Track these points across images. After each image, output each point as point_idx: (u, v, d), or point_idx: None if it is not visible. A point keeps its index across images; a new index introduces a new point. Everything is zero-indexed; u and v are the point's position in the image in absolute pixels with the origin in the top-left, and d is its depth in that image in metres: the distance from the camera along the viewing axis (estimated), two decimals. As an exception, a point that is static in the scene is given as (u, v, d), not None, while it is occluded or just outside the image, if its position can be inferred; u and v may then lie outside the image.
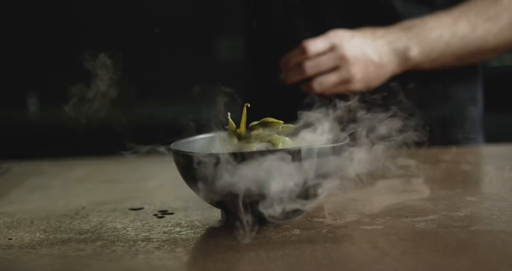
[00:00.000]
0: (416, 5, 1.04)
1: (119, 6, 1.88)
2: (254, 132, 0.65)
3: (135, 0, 1.95)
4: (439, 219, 0.63)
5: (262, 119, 0.65)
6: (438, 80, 1.04)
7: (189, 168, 0.60)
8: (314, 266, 0.51)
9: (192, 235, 0.61)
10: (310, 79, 0.94)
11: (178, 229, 0.63)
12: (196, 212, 0.69)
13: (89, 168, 1.05)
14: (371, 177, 0.73)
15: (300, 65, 0.94)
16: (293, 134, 0.66)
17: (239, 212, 0.60)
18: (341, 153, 0.61)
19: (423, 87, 0.98)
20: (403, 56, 0.96)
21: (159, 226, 0.65)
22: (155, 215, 0.70)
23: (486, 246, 0.55)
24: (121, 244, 0.59)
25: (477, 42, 0.98)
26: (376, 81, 0.95)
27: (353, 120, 0.66)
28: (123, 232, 0.63)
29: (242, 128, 0.65)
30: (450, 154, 0.99)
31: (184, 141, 0.69)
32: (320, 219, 0.64)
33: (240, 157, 0.58)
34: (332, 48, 0.93)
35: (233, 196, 0.59)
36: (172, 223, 0.66)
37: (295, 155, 0.58)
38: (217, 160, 0.58)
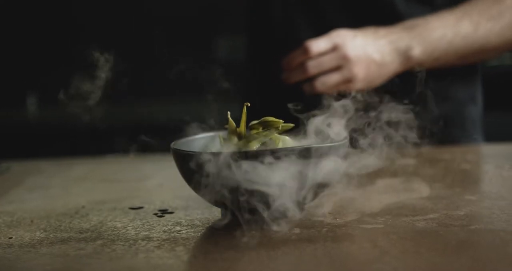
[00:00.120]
0: (417, 4, 1.05)
1: (119, 6, 1.88)
2: (254, 132, 0.65)
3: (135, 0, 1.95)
4: (439, 218, 0.63)
5: (262, 119, 0.65)
6: (438, 79, 1.04)
7: (189, 167, 0.60)
8: (314, 265, 0.51)
9: (192, 234, 0.61)
10: (312, 78, 0.95)
11: (178, 228, 0.63)
12: (196, 211, 0.69)
13: (88, 167, 1.05)
14: (371, 176, 0.73)
15: (302, 65, 0.94)
16: (293, 133, 0.66)
17: (239, 211, 0.60)
18: (341, 152, 0.61)
19: (423, 87, 0.99)
20: (405, 55, 0.96)
21: (159, 225, 0.65)
22: (155, 214, 0.69)
23: (486, 245, 0.55)
24: (121, 243, 0.59)
25: (479, 42, 0.99)
26: (378, 80, 0.96)
27: (353, 119, 0.66)
28: (123, 231, 0.63)
29: (242, 128, 0.65)
30: (449, 153, 0.99)
31: (184, 140, 0.69)
32: (320, 218, 0.64)
33: (240, 156, 0.58)
34: (334, 48, 0.94)
35: (233, 195, 0.59)
36: (172, 222, 0.66)
37: (295, 154, 0.58)
38: (217, 159, 0.58)
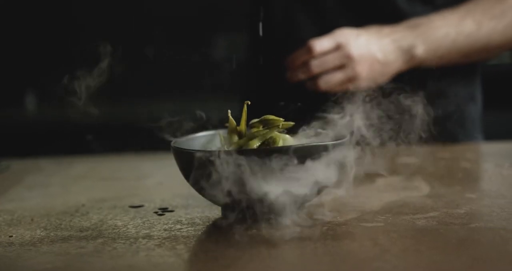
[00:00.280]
0: (419, 3, 1.05)
1: (119, 5, 1.88)
2: (254, 130, 0.65)
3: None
4: (439, 216, 0.63)
5: (262, 117, 0.65)
6: (438, 79, 1.04)
7: (189, 166, 0.60)
8: (315, 263, 0.52)
9: (193, 233, 0.61)
10: (316, 77, 0.95)
11: (178, 226, 0.63)
12: (197, 210, 0.69)
13: (88, 165, 1.05)
14: (371, 174, 0.74)
15: (306, 64, 0.95)
16: (294, 132, 0.66)
17: (239, 210, 0.60)
18: (342, 150, 0.61)
19: (423, 86, 0.99)
20: (408, 54, 0.97)
21: (159, 223, 0.65)
22: (155, 212, 0.70)
23: (486, 243, 0.55)
24: (122, 242, 0.59)
25: (482, 40, 0.99)
26: (381, 79, 0.96)
27: (353, 118, 0.67)
28: (124, 229, 0.63)
29: (243, 126, 0.65)
30: (449, 151, 1.00)
31: (184, 138, 0.69)
32: (321, 216, 0.64)
33: (241, 155, 0.58)
34: (337, 47, 0.94)
35: (234, 193, 0.59)
36: (172, 221, 0.66)
37: (296, 152, 0.58)
38: (217, 157, 0.58)
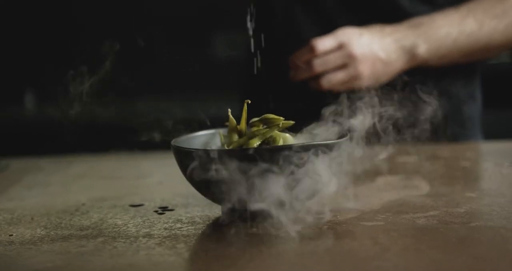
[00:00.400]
0: (420, 3, 1.05)
1: (119, 5, 1.88)
2: (254, 129, 0.65)
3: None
4: (439, 215, 0.63)
5: (263, 116, 0.65)
6: (438, 78, 1.04)
7: (190, 165, 0.60)
8: (315, 262, 0.52)
9: (193, 231, 0.61)
10: (318, 76, 0.95)
11: (179, 225, 0.63)
12: (197, 208, 0.69)
13: (88, 164, 1.05)
14: (371, 173, 0.74)
15: (308, 63, 0.95)
16: (294, 130, 0.66)
17: (240, 208, 0.60)
18: (342, 149, 0.61)
19: (422, 85, 0.99)
20: (410, 53, 0.97)
21: (159, 222, 0.65)
22: (156, 211, 0.69)
23: (486, 242, 0.55)
24: (122, 240, 0.59)
25: (484, 40, 1.00)
26: (383, 78, 0.97)
27: (353, 117, 0.67)
28: (124, 228, 0.63)
29: (243, 125, 0.65)
30: (449, 150, 1.00)
31: (184, 137, 0.69)
32: (321, 215, 0.64)
33: (241, 154, 0.58)
34: (340, 46, 0.94)
35: (234, 192, 0.59)
36: (172, 219, 0.66)
37: (296, 151, 0.58)
38: (218, 156, 0.58)
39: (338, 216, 0.64)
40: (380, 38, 0.96)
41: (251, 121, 0.65)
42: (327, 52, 0.94)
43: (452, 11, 1.00)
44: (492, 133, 1.15)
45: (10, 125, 1.93)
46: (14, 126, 1.93)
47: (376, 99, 0.68)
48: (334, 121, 0.65)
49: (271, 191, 0.58)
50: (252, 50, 1.19)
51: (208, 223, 0.64)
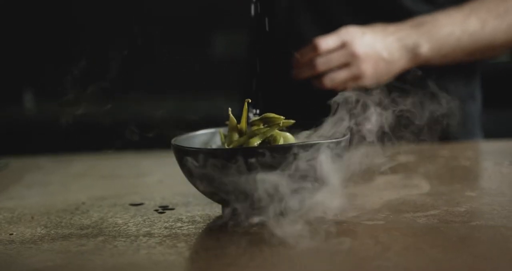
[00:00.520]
0: (423, 2, 1.05)
1: (119, 5, 1.88)
2: (255, 128, 0.65)
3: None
4: (439, 214, 0.63)
5: (263, 115, 0.65)
6: (437, 77, 1.04)
7: (190, 164, 0.60)
8: (315, 261, 0.52)
9: (194, 230, 0.61)
10: (321, 75, 0.95)
11: (179, 224, 0.63)
12: (197, 208, 0.69)
13: (87, 163, 1.05)
14: (371, 172, 0.73)
15: (311, 62, 0.95)
16: (294, 130, 0.66)
17: (240, 207, 0.60)
18: (342, 148, 0.61)
19: (422, 84, 0.99)
20: (413, 52, 0.97)
21: (160, 221, 0.65)
22: (156, 210, 0.69)
23: (487, 241, 0.55)
24: (122, 239, 0.59)
25: (486, 39, 1.00)
26: (386, 77, 0.97)
27: (353, 116, 0.67)
28: (124, 227, 0.63)
29: (243, 124, 0.65)
30: (449, 149, 1.00)
31: (184, 136, 0.69)
32: (321, 214, 0.64)
33: (241, 153, 0.58)
34: (343, 45, 0.94)
35: (234, 191, 0.59)
36: (173, 218, 0.66)
37: (296, 150, 0.58)
38: (218, 155, 0.58)
39: (338, 215, 0.64)
40: (383, 37, 0.97)
41: (251, 120, 0.65)
42: (330, 51, 0.95)
43: (455, 10, 1.00)
44: (492, 132, 1.15)
45: (10, 124, 1.93)
46: (14, 125, 1.93)
47: (376, 99, 0.68)
48: (335, 120, 0.65)
49: (272, 190, 0.58)
50: (254, 49, 1.18)
51: (208, 222, 0.64)
